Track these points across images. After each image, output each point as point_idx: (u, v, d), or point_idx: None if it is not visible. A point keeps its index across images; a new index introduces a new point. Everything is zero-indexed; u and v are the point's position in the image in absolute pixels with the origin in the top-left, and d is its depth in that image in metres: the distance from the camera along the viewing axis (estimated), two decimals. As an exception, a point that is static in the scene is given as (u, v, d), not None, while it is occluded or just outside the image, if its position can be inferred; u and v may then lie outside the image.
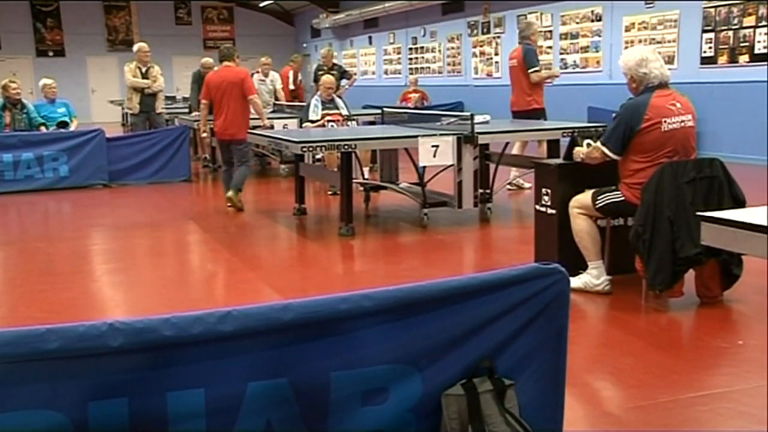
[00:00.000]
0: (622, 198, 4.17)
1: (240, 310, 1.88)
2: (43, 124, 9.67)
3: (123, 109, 18.85)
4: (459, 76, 17.29)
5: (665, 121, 4.00)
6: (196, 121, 10.26)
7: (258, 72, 11.60)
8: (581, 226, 4.32)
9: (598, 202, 4.24)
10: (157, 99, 10.19)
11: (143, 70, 10.01)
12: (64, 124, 9.96)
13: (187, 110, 11.68)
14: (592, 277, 4.32)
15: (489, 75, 16.12)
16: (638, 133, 4.02)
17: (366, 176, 7.83)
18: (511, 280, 2.16)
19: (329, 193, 8.41)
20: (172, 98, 15.79)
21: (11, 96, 9.37)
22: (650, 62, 4.07)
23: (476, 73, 16.59)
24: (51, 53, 24.46)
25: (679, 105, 4.08)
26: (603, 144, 4.18)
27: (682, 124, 4.05)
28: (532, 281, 2.17)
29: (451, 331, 2.11)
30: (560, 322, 2.23)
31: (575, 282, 4.23)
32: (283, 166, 10.25)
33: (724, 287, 4.13)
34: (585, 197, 4.32)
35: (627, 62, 4.12)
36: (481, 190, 6.80)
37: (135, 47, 10.41)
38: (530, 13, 14.43)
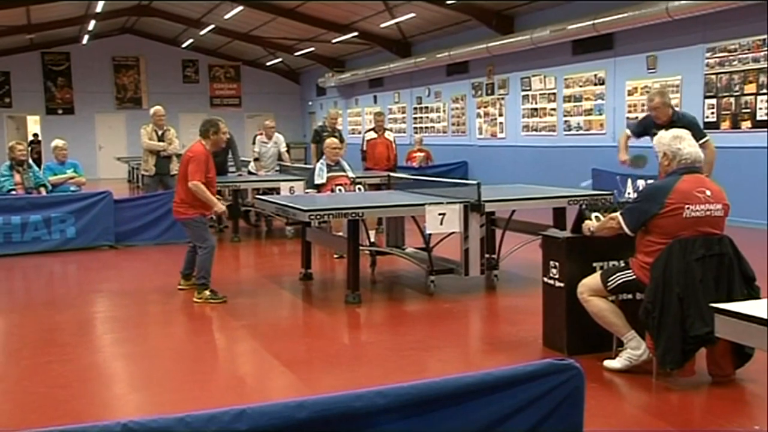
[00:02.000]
0: (634, 277, 4.12)
1: (254, 409, 1.89)
2: (44, 185, 9.75)
3: (130, 166, 19.08)
4: (463, 136, 17.45)
5: (688, 208, 3.90)
6: None
7: (261, 134, 11.67)
8: (599, 306, 4.24)
9: (609, 283, 4.19)
10: (171, 161, 10.44)
11: (159, 133, 10.29)
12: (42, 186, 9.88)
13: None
14: (632, 349, 4.20)
15: (493, 135, 16.27)
16: (655, 216, 3.96)
17: (372, 239, 7.83)
18: (525, 377, 2.15)
19: (335, 256, 8.39)
20: (178, 156, 15.93)
21: (17, 157, 9.51)
22: (684, 140, 4.07)
23: (480, 133, 16.75)
24: (60, 111, 24.85)
25: (708, 193, 3.96)
26: (622, 215, 4.14)
27: (708, 213, 3.94)
28: (546, 377, 2.16)
29: (464, 429, 2.09)
30: (575, 419, 2.20)
31: (616, 363, 4.22)
32: (289, 228, 10.25)
33: (736, 366, 4.06)
34: (593, 281, 4.28)
35: (661, 139, 4.14)
36: (487, 255, 6.79)
37: (151, 111, 10.65)
38: (534, 75, 14.65)
